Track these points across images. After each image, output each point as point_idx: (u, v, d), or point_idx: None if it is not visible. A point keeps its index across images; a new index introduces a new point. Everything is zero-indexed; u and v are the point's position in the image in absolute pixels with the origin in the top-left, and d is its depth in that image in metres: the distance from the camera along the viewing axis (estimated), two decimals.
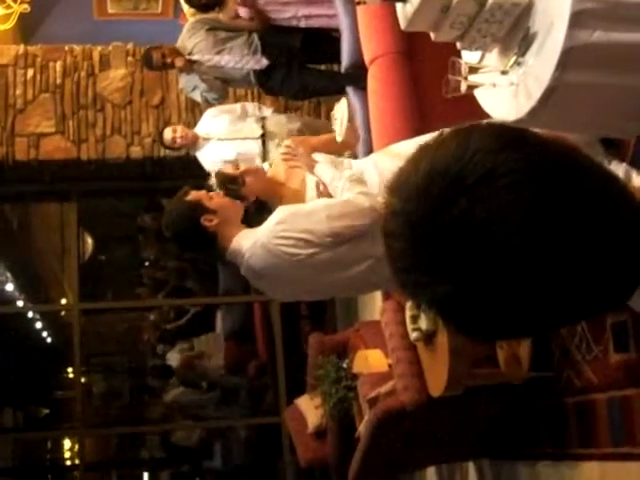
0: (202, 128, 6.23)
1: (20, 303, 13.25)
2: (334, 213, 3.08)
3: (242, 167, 3.62)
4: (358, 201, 3.10)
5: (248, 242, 3.08)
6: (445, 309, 1.06)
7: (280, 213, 3.09)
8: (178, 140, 6.11)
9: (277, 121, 6.22)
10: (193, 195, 3.21)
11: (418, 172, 1.05)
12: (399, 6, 3.08)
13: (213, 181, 3.54)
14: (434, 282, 1.03)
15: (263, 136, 6.10)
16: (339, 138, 3.59)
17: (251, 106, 6.40)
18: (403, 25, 3.11)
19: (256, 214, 3.38)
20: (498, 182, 1.00)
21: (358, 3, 3.31)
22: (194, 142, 6.15)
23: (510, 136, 1.06)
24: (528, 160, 1.01)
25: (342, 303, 8.85)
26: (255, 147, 6.02)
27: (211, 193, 3.23)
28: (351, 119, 3.61)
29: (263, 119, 6.17)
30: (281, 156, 3.55)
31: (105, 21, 9.39)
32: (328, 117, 7.53)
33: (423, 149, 1.09)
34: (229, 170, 3.62)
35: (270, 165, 3.82)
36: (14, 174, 7.77)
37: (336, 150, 3.82)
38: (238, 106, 6.36)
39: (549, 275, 1.00)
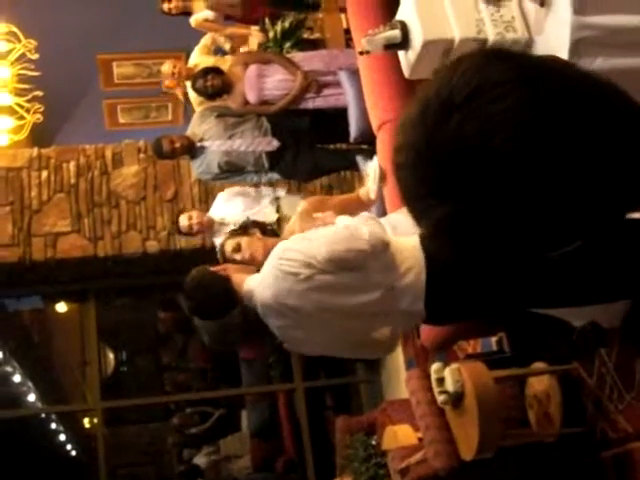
0: (217, 212, 6.24)
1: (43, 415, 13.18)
2: (333, 238, 3.12)
3: (241, 253, 3.73)
4: (357, 227, 3.15)
5: (258, 278, 3.18)
6: (451, 230, 1.06)
7: (286, 240, 3.18)
8: (195, 227, 6.11)
9: (292, 202, 6.22)
10: None
11: (414, 104, 1.06)
12: (401, 55, 3.12)
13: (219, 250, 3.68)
14: (438, 203, 1.04)
15: (278, 220, 6.11)
16: (373, 195, 3.63)
17: (264, 187, 6.43)
18: (407, 73, 3.14)
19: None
20: (486, 96, 1.00)
21: (361, 53, 3.37)
22: (209, 227, 6.15)
23: (497, 52, 1.05)
24: (514, 71, 1.01)
25: (367, 389, 8.76)
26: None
27: (219, 267, 3.36)
28: (382, 178, 3.64)
29: (277, 199, 6.19)
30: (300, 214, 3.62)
31: (117, 131, 9.60)
32: None
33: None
34: (229, 250, 3.76)
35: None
36: (32, 275, 7.83)
37: (354, 209, 3.85)
38: (251, 188, 6.39)
39: (546, 185, 0.98)
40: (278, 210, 6.09)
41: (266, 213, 6.08)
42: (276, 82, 6.06)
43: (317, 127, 6.16)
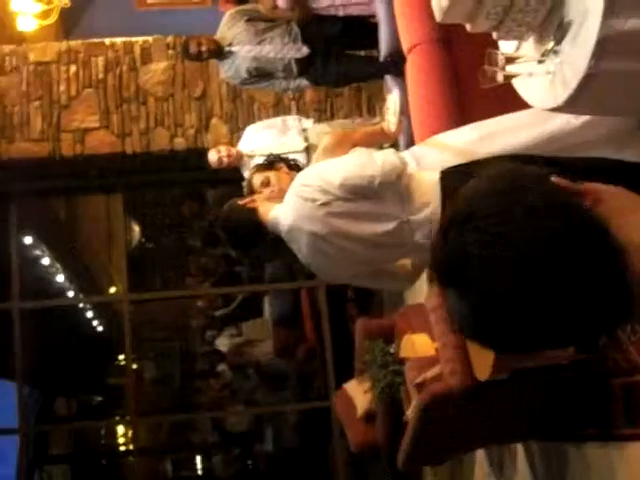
0: (245, 145, 6.24)
1: (71, 293, 13.45)
2: (347, 165, 3.23)
3: (269, 187, 3.80)
4: (371, 154, 3.23)
5: (282, 206, 3.30)
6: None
7: (307, 168, 3.35)
8: (224, 160, 6.11)
9: (319, 131, 6.20)
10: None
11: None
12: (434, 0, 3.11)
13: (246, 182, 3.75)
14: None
15: (307, 148, 6.12)
16: (393, 128, 3.67)
17: (291, 119, 6.44)
18: (438, 17, 3.13)
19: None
20: (470, 224, 1.20)
21: None
22: (239, 160, 6.16)
23: (504, 185, 1.21)
24: (504, 206, 1.18)
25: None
26: (301, 160, 6.03)
27: (247, 199, 3.45)
28: (402, 111, 3.68)
29: (304, 131, 6.21)
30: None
31: (145, 12, 9.48)
32: (369, 102, 7.59)
33: None
34: (257, 183, 3.83)
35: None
36: (61, 169, 7.93)
37: (378, 142, 3.89)
38: (279, 120, 6.40)
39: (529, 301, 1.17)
40: (306, 140, 6.11)
41: (293, 143, 6.09)
42: None
43: (348, 34, 6.13)
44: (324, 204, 3.15)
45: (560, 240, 1.15)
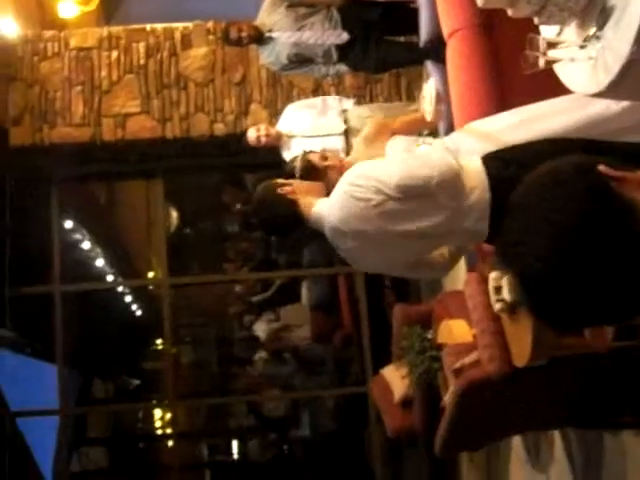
0: (284, 125, 6.27)
1: (110, 277, 13.57)
2: (401, 166, 3.16)
3: (329, 160, 3.77)
4: (426, 154, 3.19)
5: (328, 202, 3.22)
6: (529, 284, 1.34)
7: (357, 165, 3.22)
8: (262, 139, 6.14)
9: (358, 114, 6.20)
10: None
11: None
12: None
13: (297, 163, 3.68)
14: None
15: (346, 131, 6.12)
16: (429, 117, 3.65)
17: (331, 99, 6.45)
18: (480, 2, 3.13)
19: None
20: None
21: None
22: (278, 140, 6.18)
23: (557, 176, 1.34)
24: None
25: None
26: (339, 142, 6.04)
27: (287, 188, 3.36)
28: (439, 99, 3.66)
29: (344, 112, 6.21)
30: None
31: None
32: (408, 88, 7.58)
33: None
34: (316, 159, 3.77)
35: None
36: (102, 154, 8.01)
37: (418, 129, 3.88)
38: (319, 100, 6.42)
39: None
40: (346, 122, 6.11)
41: (333, 125, 6.10)
42: None
43: (387, 19, 6.11)
44: (377, 205, 3.10)
45: (591, 223, 1.27)
